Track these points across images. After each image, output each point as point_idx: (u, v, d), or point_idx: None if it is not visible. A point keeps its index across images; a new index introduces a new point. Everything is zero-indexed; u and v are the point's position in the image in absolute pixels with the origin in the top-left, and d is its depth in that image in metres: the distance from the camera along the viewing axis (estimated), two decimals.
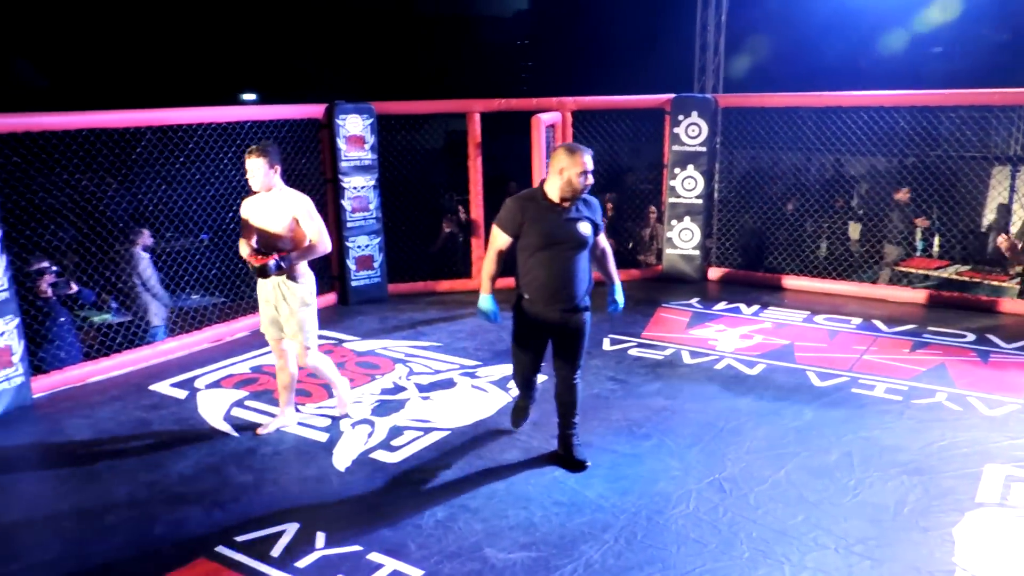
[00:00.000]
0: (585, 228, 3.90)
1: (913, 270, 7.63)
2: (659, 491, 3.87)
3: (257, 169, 4.32)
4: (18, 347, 4.99)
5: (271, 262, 4.26)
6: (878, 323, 6.51)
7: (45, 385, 5.27)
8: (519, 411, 4.45)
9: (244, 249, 4.41)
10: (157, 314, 6.58)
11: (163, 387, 5.37)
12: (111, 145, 5.85)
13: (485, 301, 4.07)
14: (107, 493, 3.97)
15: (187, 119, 6.20)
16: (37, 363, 5.40)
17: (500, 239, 3.98)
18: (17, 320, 5.01)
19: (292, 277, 4.38)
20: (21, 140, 5.24)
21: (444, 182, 9.44)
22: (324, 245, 4.42)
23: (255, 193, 4.42)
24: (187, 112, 6.20)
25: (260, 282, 4.44)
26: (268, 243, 4.36)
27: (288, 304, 4.41)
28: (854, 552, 3.36)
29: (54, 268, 5.89)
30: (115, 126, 5.75)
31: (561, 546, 3.44)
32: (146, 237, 6.67)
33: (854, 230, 8.41)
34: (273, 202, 4.36)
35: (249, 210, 4.42)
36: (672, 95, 7.85)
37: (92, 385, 5.43)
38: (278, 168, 4.37)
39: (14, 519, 3.78)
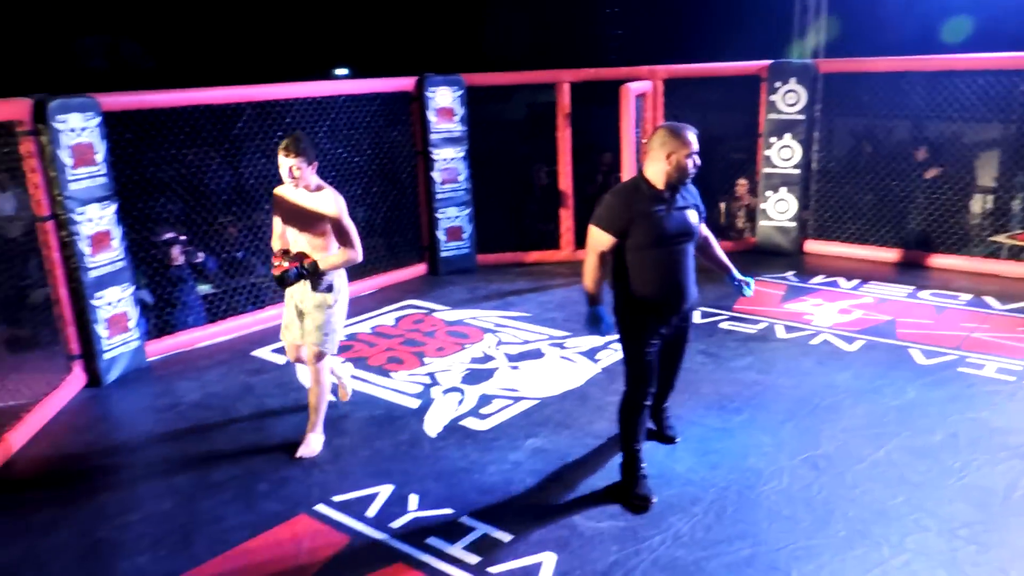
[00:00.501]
0: (693, 217, 3.51)
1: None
2: (750, 466, 3.82)
3: (296, 170, 3.82)
4: (133, 313, 5.30)
5: (292, 270, 3.86)
6: (990, 300, 6.17)
7: (158, 349, 5.59)
8: (642, 425, 3.63)
9: (276, 244, 4.13)
10: None
11: (265, 353, 5.61)
12: (214, 121, 6.09)
13: (598, 314, 3.50)
14: (215, 451, 4.20)
15: (284, 95, 6.40)
16: (168, 326, 5.86)
17: (603, 240, 3.43)
18: (132, 288, 5.32)
19: (316, 286, 3.97)
20: (132, 117, 5.51)
21: (531, 153, 9.42)
22: (359, 253, 3.98)
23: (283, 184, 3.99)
24: (284, 88, 6.39)
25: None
26: (298, 244, 3.98)
27: (311, 300, 4.01)
28: (958, 536, 3.23)
29: (182, 237, 6.27)
30: (217, 102, 5.98)
31: (649, 517, 3.44)
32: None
33: (977, 203, 7.93)
34: (309, 200, 3.91)
35: (281, 205, 4.00)
36: (769, 61, 7.58)
37: (200, 350, 5.73)
38: (315, 163, 3.92)
39: (133, 474, 4.05)
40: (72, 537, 3.46)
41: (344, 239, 3.93)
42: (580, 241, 7.81)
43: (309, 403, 4.19)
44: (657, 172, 3.41)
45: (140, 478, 4.00)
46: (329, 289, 4.01)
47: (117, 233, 5.18)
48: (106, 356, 5.11)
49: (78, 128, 4.86)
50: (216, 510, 3.63)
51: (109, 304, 5.10)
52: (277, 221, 4.09)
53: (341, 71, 19.67)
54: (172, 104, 5.68)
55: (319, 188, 3.94)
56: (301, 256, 3.91)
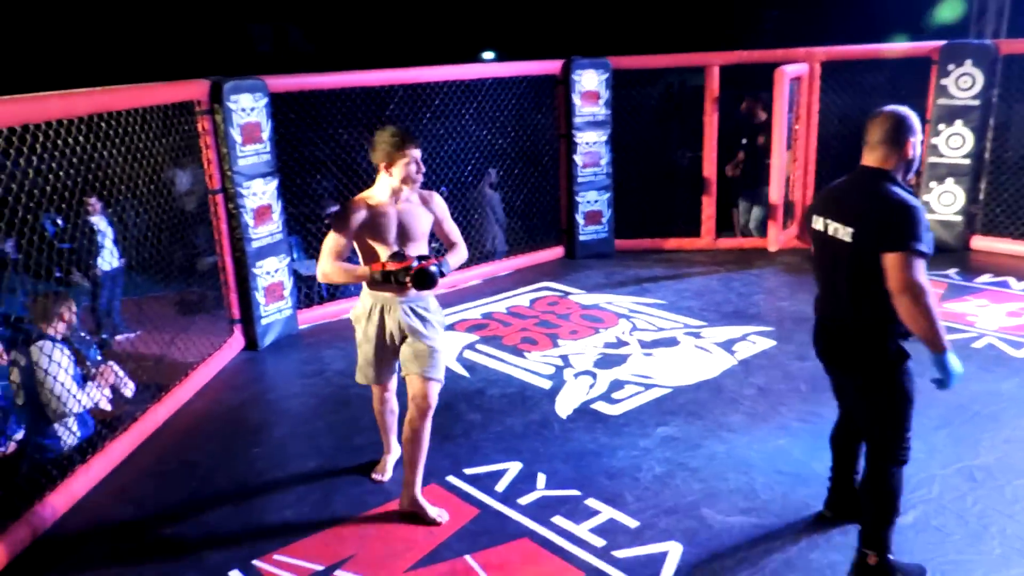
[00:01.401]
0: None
1: None
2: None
3: (420, 161, 3.30)
4: (288, 283, 5.65)
5: (433, 267, 3.17)
6: None
7: (308, 318, 5.94)
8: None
9: (384, 253, 3.28)
10: (501, 240, 7.66)
11: None
12: (368, 102, 6.36)
13: (953, 362, 2.69)
14: (355, 417, 4.42)
15: (434, 77, 6.58)
16: (337, 292, 6.34)
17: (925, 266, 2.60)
18: (288, 259, 5.66)
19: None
20: (295, 98, 5.85)
21: (676, 137, 9.23)
22: (466, 250, 3.56)
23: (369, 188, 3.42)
24: (434, 70, 6.57)
25: (382, 305, 3.36)
26: (416, 249, 3.36)
27: (430, 325, 3.39)
28: None
29: None
30: (371, 84, 6.23)
31: (783, 515, 3.33)
32: (492, 176, 7.47)
33: None
34: (415, 199, 3.39)
35: (377, 214, 3.29)
36: (942, 42, 7.03)
37: (345, 321, 5.99)
38: None
39: (283, 433, 4.34)
40: (227, 486, 3.76)
41: (456, 232, 3.56)
42: (721, 228, 7.62)
43: (405, 455, 3.44)
44: (901, 169, 2.75)
45: (288, 437, 4.28)
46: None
47: (277, 207, 5.52)
48: (263, 322, 5.48)
49: (248, 108, 5.22)
50: (355, 474, 3.83)
51: (268, 273, 5.46)
52: (374, 228, 3.27)
53: (488, 55, 19.97)
54: (330, 86, 5.98)
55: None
56: (422, 257, 3.24)
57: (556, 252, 7.49)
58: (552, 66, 7.09)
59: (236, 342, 5.42)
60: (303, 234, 6.85)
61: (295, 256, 6.52)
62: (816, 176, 7.39)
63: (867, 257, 2.63)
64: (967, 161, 6.98)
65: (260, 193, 5.36)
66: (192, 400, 4.72)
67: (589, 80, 7.08)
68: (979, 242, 7.16)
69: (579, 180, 7.27)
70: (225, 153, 5.13)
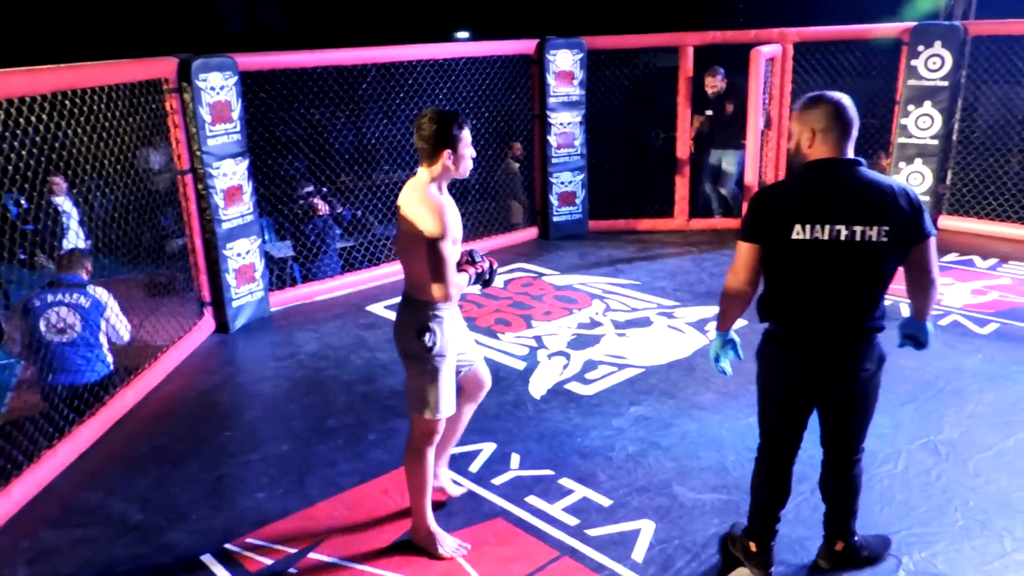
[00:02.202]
0: None
1: None
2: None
3: None
4: (260, 265, 5.59)
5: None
6: None
7: (280, 300, 5.89)
8: None
9: (456, 254, 2.93)
10: (520, 213, 7.89)
11: (378, 308, 5.81)
12: (340, 81, 6.29)
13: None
14: (329, 400, 4.40)
15: (408, 56, 6.51)
16: (310, 275, 6.33)
17: None
18: (259, 240, 5.61)
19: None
20: (266, 77, 5.77)
21: (648, 119, 9.24)
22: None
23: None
24: (408, 49, 6.50)
25: (452, 315, 2.98)
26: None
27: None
28: None
29: (324, 189, 6.63)
30: (344, 63, 6.15)
31: None
32: (516, 149, 7.59)
33: None
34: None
35: (452, 205, 2.91)
36: (913, 23, 7.08)
37: (318, 303, 5.99)
38: None
39: (255, 415, 4.32)
40: (198, 470, 3.74)
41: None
42: (694, 210, 7.66)
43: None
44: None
45: (260, 420, 4.26)
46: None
47: (248, 188, 5.46)
48: (234, 304, 5.42)
49: (217, 86, 5.13)
50: (328, 455, 3.82)
51: (238, 255, 5.40)
52: (452, 245, 2.85)
53: (462, 34, 19.80)
54: (302, 65, 5.90)
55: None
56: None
57: (530, 233, 7.49)
58: (527, 46, 7.05)
59: (207, 325, 5.36)
60: (275, 215, 6.80)
61: (267, 238, 6.46)
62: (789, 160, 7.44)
63: (897, 253, 2.56)
64: (935, 142, 7.06)
65: (230, 174, 5.28)
66: (162, 384, 4.67)
67: (564, 60, 7.05)
68: (946, 221, 7.27)
69: (553, 161, 7.25)
70: (194, 133, 5.05)
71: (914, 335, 2.78)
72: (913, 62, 7.02)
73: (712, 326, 5.09)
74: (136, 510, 3.44)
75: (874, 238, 2.49)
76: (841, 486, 2.87)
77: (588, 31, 7.46)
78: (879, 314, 2.62)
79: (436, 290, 2.80)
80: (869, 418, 2.78)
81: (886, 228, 2.49)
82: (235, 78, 5.25)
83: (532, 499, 3.40)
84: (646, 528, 3.18)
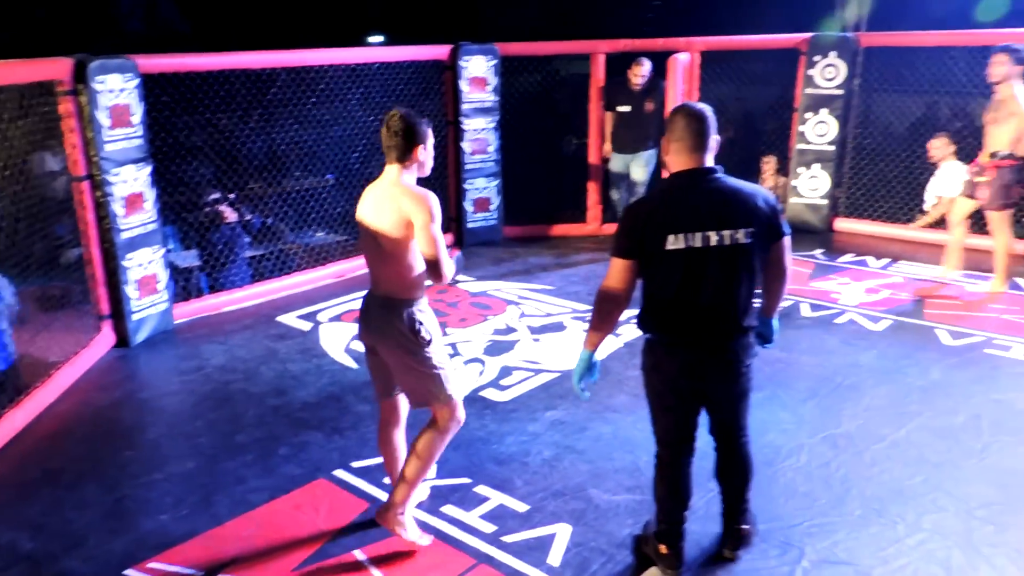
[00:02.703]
0: None
1: None
2: (769, 442, 3.80)
3: None
4: (163, 275, 5.39)
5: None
6: (1021, 281, 6.04)
7: (185, 312, 5.68)
8: None
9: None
10: None
11: (289, 319, 5.68)
12: (248, 86, 6.12)
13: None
14: (238, 414, 4.27)
15: (319, 61, 6.39)
16: (218, 284, 6.10)
17: None
18: (163, 250, 5.40)
19: None
20: (169, 80, 5.56)
21: (562, 125, 9.34)
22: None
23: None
24: (319, 54, 6.37)
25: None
26: None
27: None
28: (976, 516, 3.20)
29: (231, 196, 6.41)
30: (252, 67, 6.00)
31: None
32: None
33: None
34: None
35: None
36: (809, 34, 7.41)
37: (226, 314, 5.81)
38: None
39: (158, 433, 4.15)
40: (96, 493, 3.56)
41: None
42: (607, 216, 7.78)
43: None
44: None
45: (164, 437, 4.09)
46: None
47: (151, 195, 5.25)
48: (135, 317, 5.20)
49: (116, 89, 4.92)
50: (237, 472, 3.70)
51: (140, 265, 5.19)
52: None
53: (375, 39, 19.59)
54: (208, 68, 5.72)
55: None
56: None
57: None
58: (440, 51, 7.03)
59: (105, 339, 5.13)
60: (180, 224, 6.56)
61: (171, 247, 6.23)
62: None
63: (760, 254, 2.72)
64: (832, 147, 7.40)
65: (131, 180, 5.07)
66: (56, 402, 4.43)
67: (477, 66, 7.06)
68: (842, 223, 7.62)
69: (467, 167, 7.25)
70: (91, 137, 4.82)
71: (761, 332, 2.96)
72: (810, 71, 7.35)
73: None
74: (26, 538, 3.24)
75: (741, 240, 2.64)
76: (734, 467, 3.01)
77: (502, 37, 7.51)
78: (753, 312, 2.78)
79: (442, 269, 2.92)
80: (749, 404, 2.96)
81: (751, 229, 2.64)
82: (136, 80, 5.05)
83: (448, 508, 3.38)
84: (562, 532, 3.20)
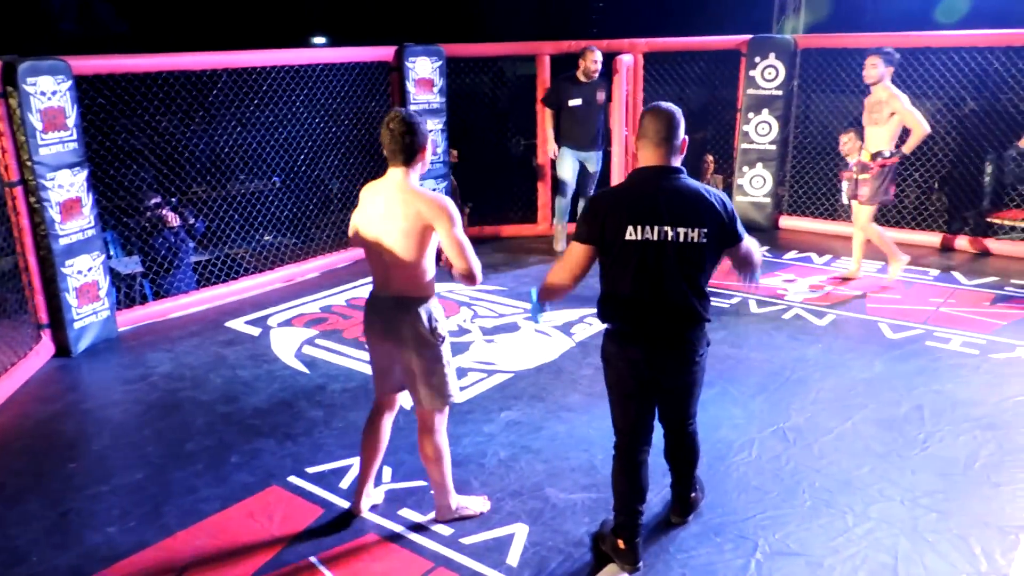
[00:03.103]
0: None
1: (1005, 221, 7.27)
2: (721, 438, 3.87)
3: None
4: (104, 282, 5.23)
5: None
6: (957, 275, 6.28)
7: (129, 319, 5.53)
8: None
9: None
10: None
11: (238, 324, 5.57)
12: (189, 88, 5.98)
13: None
14: (187, 423, 4.17)
15: (262, 62, 6.29)
16: (162, 291, 5.97)
17: None
18: (103, 256, 5.24)
19: None
20: (105, 82, 5.41)
21: (509, 126, 9.38)
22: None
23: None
24: (262, 55, 6.27)
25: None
26: None
27: None
28: (920, 504, 3.31)
29: (173, 200, 6.24)
30: (193, 68, 5.87)
31: None
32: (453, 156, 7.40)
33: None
34: None
35: None
36: (749, 36, 7.57)
37: (172, 320, 5.67)
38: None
39: (103, 444, 4.02)
40: (40, 508, 3.44)
41: None
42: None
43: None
44: None
45: (110, 448, 3.97)
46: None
47: (88, 200, 5.09)
48: (76, 326, 5.04)
49: (49, 91, 4.76)
50: (187, 481, 3.62)
51: (79, 273, 5.03)
52: None
53: (319, 40, 19.35)
54: (145, 69, 5.58)
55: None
56: None
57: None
58: (385, 52, 6.98)
59: (45, 349, 4.96)
60: (120, 229, 6.37)
61: (112, 253, 6.05)
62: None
63: (714, 253, 2.82)
64: (774, 147, 7.57)
65: (67, 185, 4.92)
66: None
67: (423, 67, 7.03)
68: (785, 221, 7.81)
69: None
70: (23, 141, 4.66)
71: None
72: (751, 72, 7.51)
73: (577, 328, 5.23)
74: None
75: (695, 239, 2.73)
76: (684, 449, 3.15)
77: (448, 38, 7.49)
78: (706, 305, 2.87)
79: (473, 271, 2.96)
80: (700, 392, 3.07)
81: (705, 231, 2.74)
82: (69, 83, 4.90)
83: (405, 512, 3.36)
84: (520, 532, 3.21)
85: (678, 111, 2.79)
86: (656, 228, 2.72)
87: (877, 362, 4.69)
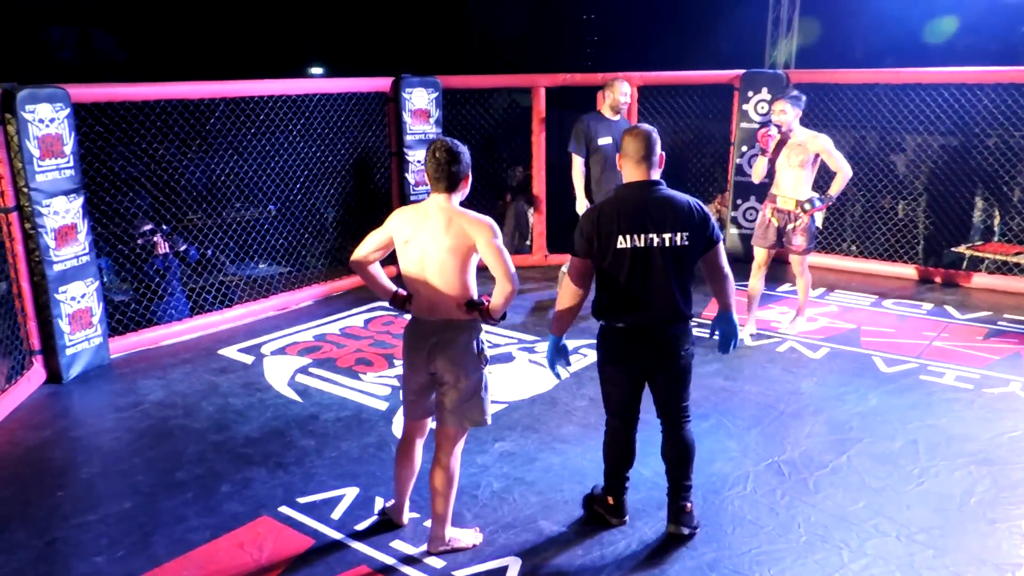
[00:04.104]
0: None
1: (988, 255, 7.33)
2: (716, 471, 3.85)
3: None
4: (97, 309, 5.21)
5: None
6: (950, 309, 6.30)
7: (122, 346, 5.50)
8: None
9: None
10: None
11: (231, 352, 5.54)
12: (187, 116, 6.02)
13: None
14: (177, 451, 4.13)
15: (260, 91, 6.33)
16: (155, 318, 5.93)
17: None
18: (97, 283, 5.23)
19: None
20: (103, 110, 5.43)
21: (506, 157, 9.43)
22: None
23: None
24: (260, 84, 6.32)
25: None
26: None
27: None
28: (916, 541, 3.29)
29: (164, 227, 6.23)
30: (191, 97, 5.91)
31: None
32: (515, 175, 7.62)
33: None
34: None
35: None
36: (741, 71, 7.67)
37: (165, 348, 5.65)
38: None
39: (93, 472, 3.98)
40: (26, 536, 3.39)
41: None
42: (552, 246, 7.84)
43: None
44: None
45: (99, 476, 3.93)
46: None
47: (84, 227, 5.09)
48: (68, 352, 5.01)
49: (47, 119, 4.78)
50: (177, 510, 3.58)
51: (73, 299, 5.01)
52: None
53: (316, 70, 19.53)
54: (143, 98, 5.61)
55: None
56: None
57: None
58: (382, 83, 7.04)
59: (36, 375, 4.92)
60: (115, 256, 6.36)
61: (106, 280, 6.03)
62: None
63: (695, 255, 3.16)
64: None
65: (63, 212, 4.92)
66: None
67: (419, 98, 7.09)
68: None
69: (412, 198, 7.24)
70: (20, 168, 4.67)
71: (723, 326, 3.32)
72: (744, 106, 7.60)
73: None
74: None
75: (679, 242, 3.09)
76: (679, 445, 3.34)
77: (445, 70, 7.56)
78: (691, 303, 3.23)
79: (511, 284, 3.05)
80: (689, 385, 3.35)
81: (687, 234, 3.10)
82: (67, 110, 4.92)
83: (397, 543, 3.32)
84: (512, 565, 3.17)
85: (654, 131, 3.17)
86: (643, 236, 3.07)
87: (871, 396, 4.69)
